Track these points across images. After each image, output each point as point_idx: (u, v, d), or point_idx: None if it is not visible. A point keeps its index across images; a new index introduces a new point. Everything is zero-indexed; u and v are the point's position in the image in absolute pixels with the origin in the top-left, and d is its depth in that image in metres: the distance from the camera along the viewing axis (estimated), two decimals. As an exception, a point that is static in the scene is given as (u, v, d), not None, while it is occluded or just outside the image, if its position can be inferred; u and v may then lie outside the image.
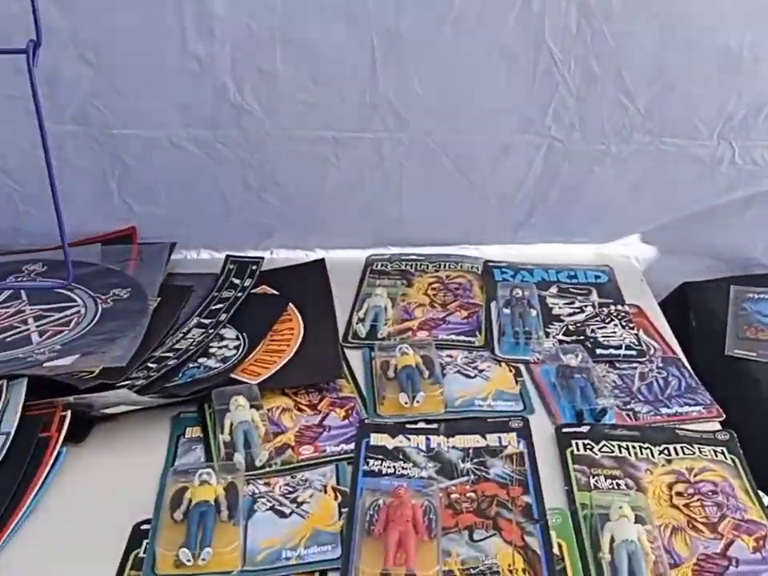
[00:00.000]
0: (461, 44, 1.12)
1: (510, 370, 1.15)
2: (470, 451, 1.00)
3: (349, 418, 1.05)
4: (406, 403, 1.05)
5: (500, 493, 0.93)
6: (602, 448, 0.99)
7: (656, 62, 1.13)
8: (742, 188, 1.27)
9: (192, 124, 1.19)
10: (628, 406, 1.08)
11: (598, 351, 1.18)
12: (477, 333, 1.23)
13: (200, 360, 1.13)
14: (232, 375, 1.10)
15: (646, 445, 1.00)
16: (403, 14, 1.09)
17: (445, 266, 1.41)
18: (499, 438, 1.02)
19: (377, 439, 1.01)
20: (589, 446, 0.99)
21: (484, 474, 0.96)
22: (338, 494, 0.93)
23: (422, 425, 1.04)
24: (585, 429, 1.02)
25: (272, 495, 0.93)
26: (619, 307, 1.29)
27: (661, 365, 1.16)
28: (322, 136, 1.22)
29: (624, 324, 1.24)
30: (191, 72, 1.13)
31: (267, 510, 0.91)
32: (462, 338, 1.22)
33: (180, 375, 1.09)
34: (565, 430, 1.02)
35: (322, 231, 1.41)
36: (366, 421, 1.05)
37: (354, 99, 1.17)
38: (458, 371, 1.15)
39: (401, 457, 0.99)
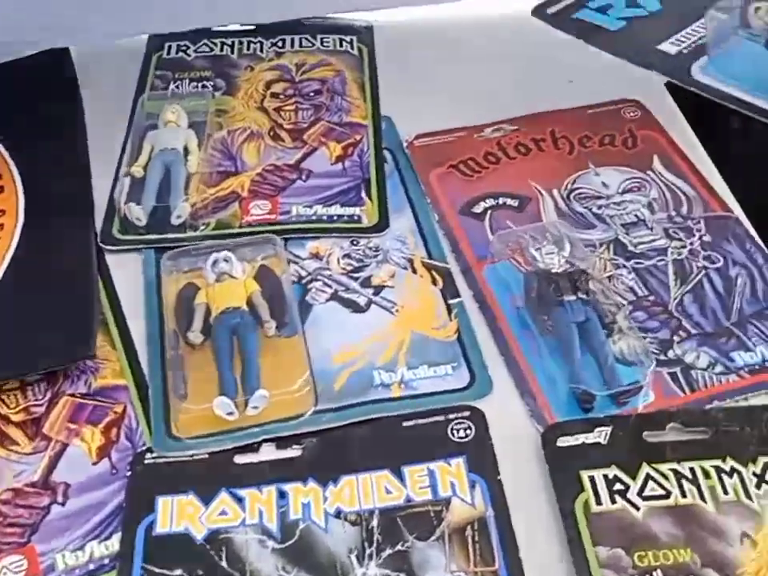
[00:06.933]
0: None
1: (434, 281, 0.59)
2: (374, 523, 0.46)
3: (111, 450, 0.50)
4: (229, 414, 0.49)
5: None
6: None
7: None
8: None
9: None
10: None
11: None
12: (362, 194, 0.64)
13: None
14: None
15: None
16: None
17: (293, 42, 0.78)
18: (431, 475, 0.48)
19: (168, 512, 0.47)
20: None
21: (407, 594, 0.44)
22: None
23: (266, 451, 0.50)
24: (602, 432, 0.49)
25: None
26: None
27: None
28: None
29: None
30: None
31: None
32: (335, 210, 0.63)
33: None
34: (564, 441, 0.49)
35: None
36: (148, 460, 0.49)
37: None
38: (335, 294, 0.58)
39: (224, 562, 0.45)
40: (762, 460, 0.49)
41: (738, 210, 0.64)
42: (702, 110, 0.73)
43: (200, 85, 0.73)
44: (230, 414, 0.49)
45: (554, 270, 0.56)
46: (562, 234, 0.58)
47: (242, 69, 0.75)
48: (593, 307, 0.54)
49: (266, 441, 0.50)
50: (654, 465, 0.48)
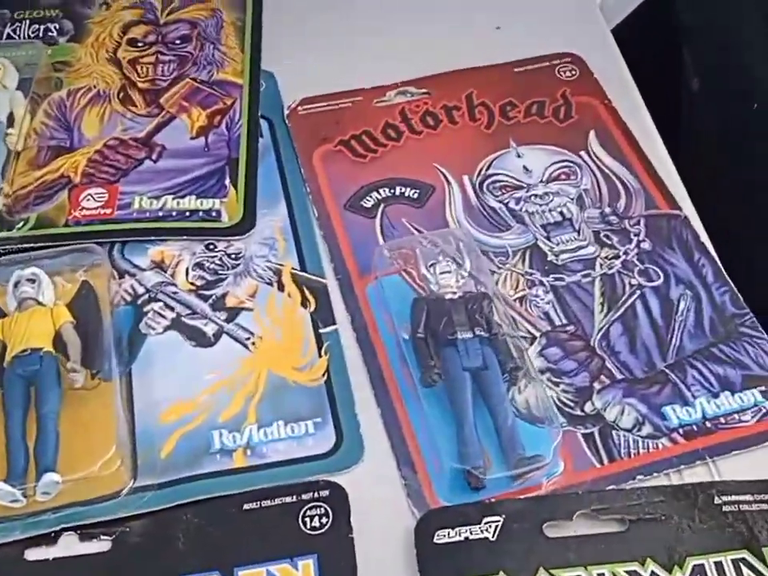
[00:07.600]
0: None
1: (305, 302, 0.47)
2: None
3: None
4: (14, 502, 0.38)
5: None
6: None
7: None
8: None
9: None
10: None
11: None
12: (226, 181, 0.52)
13: None
14: None
15: None
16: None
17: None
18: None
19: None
20: None
21: None
22: None
23: (67, 543, 0.39)
24: (491, 524, 0.39)
25: None
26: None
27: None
28: None
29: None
30: None
31: None
32: (189, 204, 0.51)
33: None
34: (442, 535, 0.39)
35: None
36: None
37: None
38: (177, 320, 0.46)
39: None
40: (691, 562, 0.38)
41: (688, 207, 0.52)
42: (655, 68, 0.61)
43: (42, 28, 0.59)
44: (15, 501, 0.38)
45: (448, 296, 0.45)
46: (463, 245, 0.47)
47: (97, 6, 0.61)
48: (493, 349, 0.43)
49: (66, 530, 0.39)
50: (553, 572, 0.38)
